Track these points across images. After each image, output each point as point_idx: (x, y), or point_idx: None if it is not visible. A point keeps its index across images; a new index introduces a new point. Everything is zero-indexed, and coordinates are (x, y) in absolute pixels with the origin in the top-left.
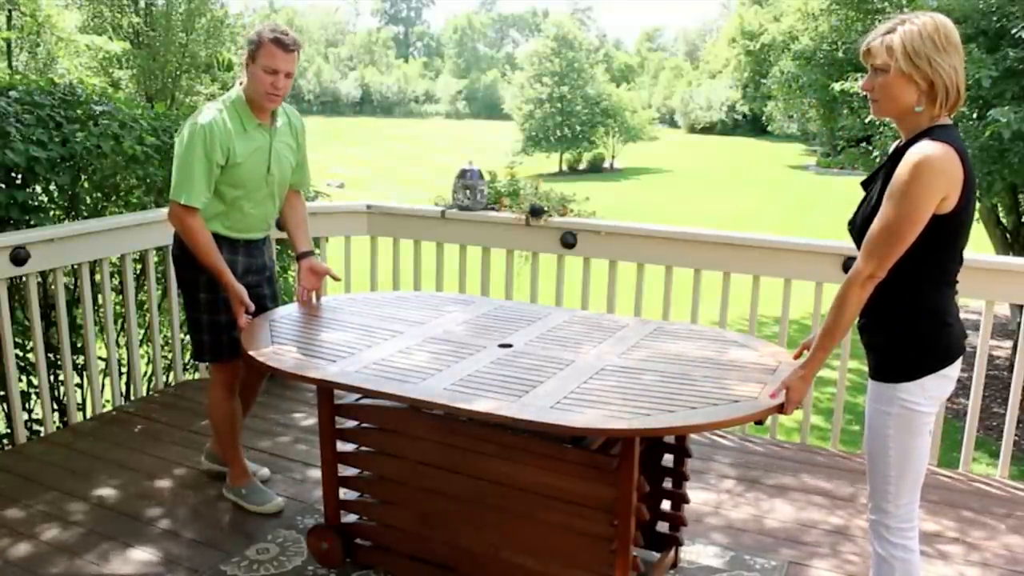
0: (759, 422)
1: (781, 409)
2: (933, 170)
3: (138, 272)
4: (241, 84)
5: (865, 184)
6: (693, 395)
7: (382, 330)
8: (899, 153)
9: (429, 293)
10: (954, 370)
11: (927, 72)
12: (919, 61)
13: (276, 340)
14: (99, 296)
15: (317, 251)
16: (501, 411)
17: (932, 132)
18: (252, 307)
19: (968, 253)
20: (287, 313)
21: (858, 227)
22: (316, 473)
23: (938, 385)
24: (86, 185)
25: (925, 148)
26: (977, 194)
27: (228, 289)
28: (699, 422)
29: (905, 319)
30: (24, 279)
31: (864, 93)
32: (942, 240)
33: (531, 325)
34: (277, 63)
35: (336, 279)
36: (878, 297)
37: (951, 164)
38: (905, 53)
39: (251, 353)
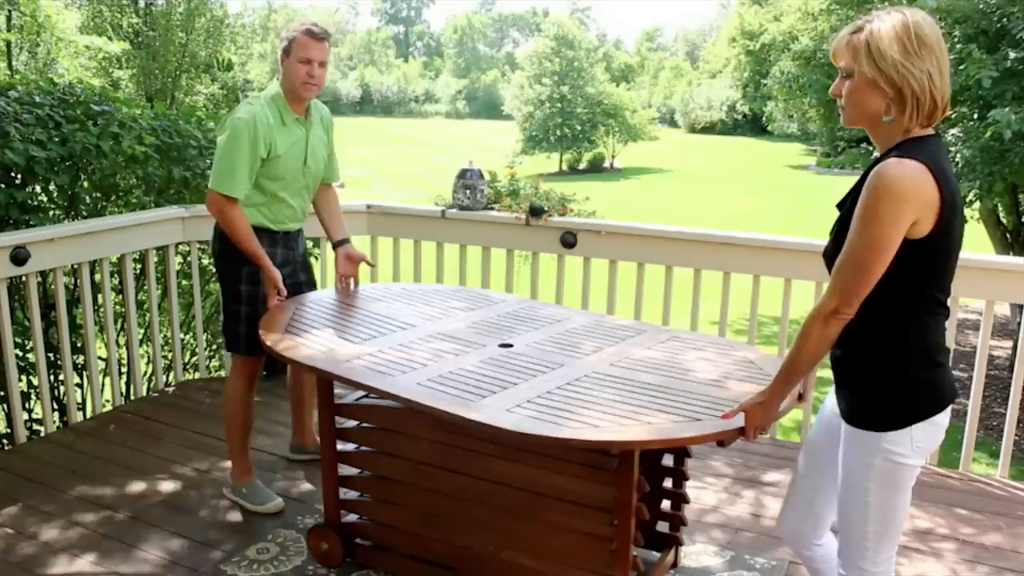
0: (721, 443)
1: (743, 433)
2: (897, 191)
3: (138, 272)
4: (277, 80)
5: (839, 205)
6: (660, 408)
7: (395, 322)
8: (871, 170)
9: (461, 288)
10: (945, 417)
11: (893, 78)
12: (885, 65)
13: (292, 324)
14: (99, 296)
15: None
16: (451, 408)
17: (903, 146)
18: (284, 292)
19: (968, 253)
20: (316, 299)
21: (830, 256)
22: (316, 473)
23: (928, 435)
24: (85, 185)
25: (889, 167)
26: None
27: (265, 272)
28: (630, 438)
29: (891, 358)
30: (24, 279)
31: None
32: (922, 268)
33: (544, 327)
34: (311, 52)
35: (371, 265)
36: (858, 331)
37: (920, 183)
38: (870, 56)
39: (260, 331)
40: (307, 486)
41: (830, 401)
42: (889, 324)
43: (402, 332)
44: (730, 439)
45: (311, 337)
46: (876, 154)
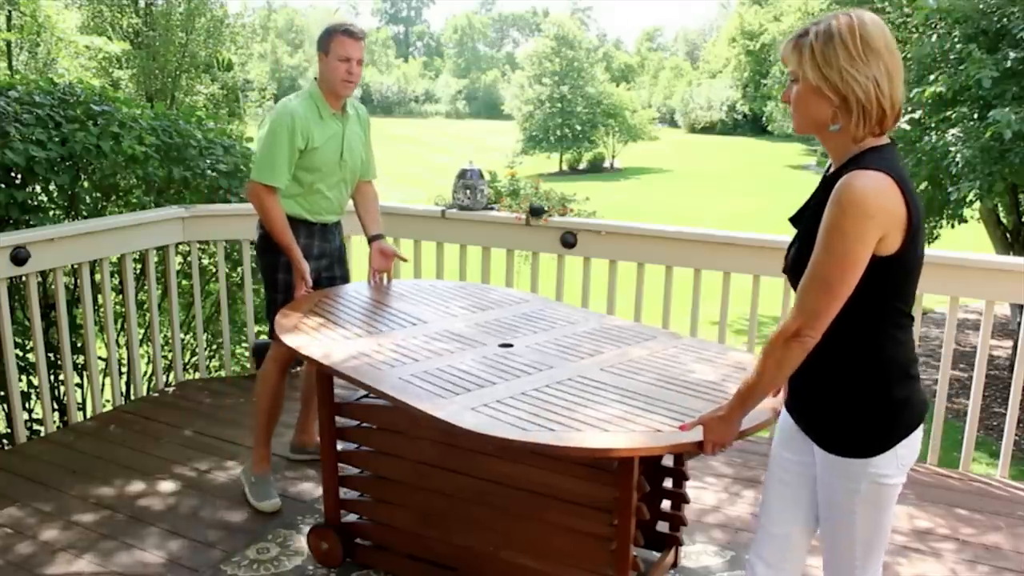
0: (679, 456)
1: (702, 447)
2: (863, 207)
3: (138, 272)
4: (315, 78)
5: (794, 220)
6: (626, 416)
7: (409, 318)
8: (829, 183)
9: (487, 287)
10: (920, 430)
11: (837, 85)
12: (828, 71)
13: (310, 315)
14: (99, 296)
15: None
16: (417, 404)
17: (863, 158)
18: (311, 283)
19: (968, 253)
20: (340, 292)
21: (791, 271)
22: (316, 473)
23: (910, 449)
24: (86, 185)
25: (853, 181)
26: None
27: (294, 263)
28: (573, 445)
29: (871, 379)
30: (24, 279)
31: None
32: (891, 284)
33: (554, 328)
34: (349, 51)
35: (404, 260)
36: (831, 354)
37: (887, 197)
38: (813, 62)
39: (276, 318)
40: (307, 486)
41: (789, 421)
42: (863, 344)
43: (411, 328)
44: (688, 452)
45: (321, 328)
46: (828, 167)
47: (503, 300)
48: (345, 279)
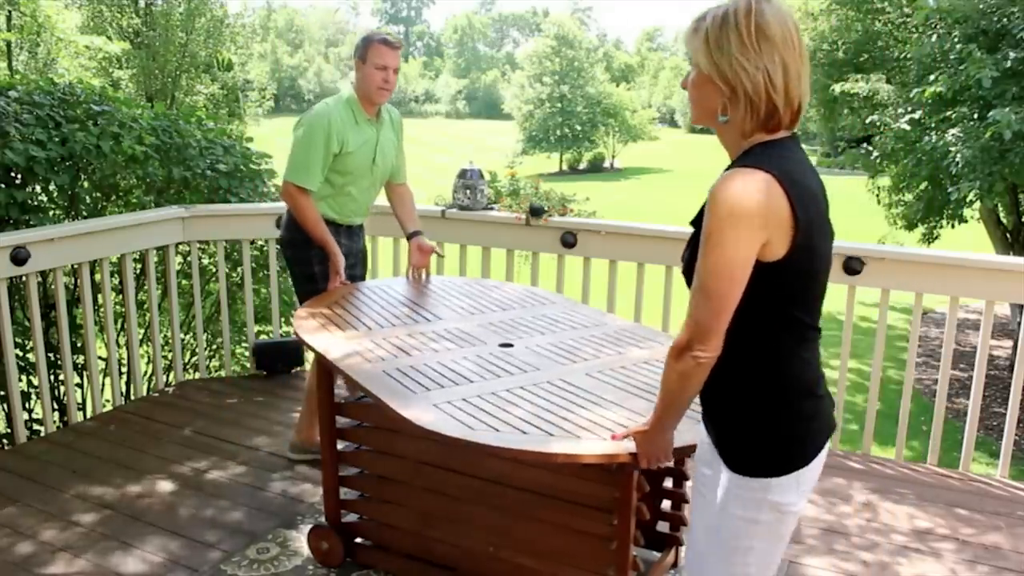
0: (608, 465)
1: (636, 459)
2: (738, 210)
3: (138, 272)
4: (352, 84)
5: (694, 221)
6: (579, 424)
7: (424, 314)
8: None
9: (522, 287)
10: (825, 452)
11: (727, 74)
12: (719, 59)
13: (333, 306)
14: (99, 296)
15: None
16: (384, 397)
17: (748, 155)
18: (343, 276)
19: (968, 253)
20: (369, 286)
21: (685, 276)
22: (316, 473)
23: (814, 472)
24: (86, 185)
25: (725, 182)
26: (829, 229)
27: (331, 256)
28: (505, 446)
29: (771, 397)
30: (24, 279)
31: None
32: (784, 293)
33: (565, 330)
34: (386, 60)
35: (441, 256)
36: (727, 367)
37: (765, 198)
38: (706, 47)
39: (300, 310)
40: (307, 486)
41: (705, 434)
42: (760, 358)
43: (422, 324)
44: (614, 463)
45: (334, 320)
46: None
47: (527, 300)
48: (363, 279)
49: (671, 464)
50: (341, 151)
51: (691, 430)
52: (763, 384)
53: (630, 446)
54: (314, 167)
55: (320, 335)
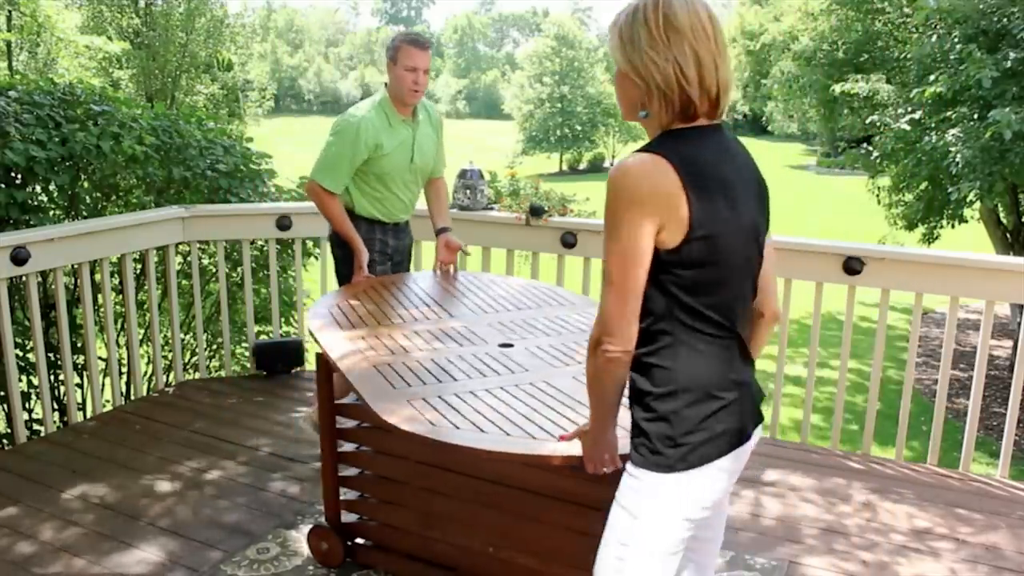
0: (570, 465)
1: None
2: (627, 193)
3: (138, 272)
4: (386, 86)
5: None
6: (542, 426)
7: (436, 310)
8: None
9: (551, 288)
10: (730, 461)
11: (639, 68)
12: (631, 54)
13: (352, 299)
14: (99, 296)
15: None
16: (362, 390)
17: (653, 142)
18: (366, 271)
19: (968, 253)
20: (393, 280)
21: None
22: (316, 473)
23: (705, 483)
24: (86, 185)
25: (619, 166)
26: (752, 220)
27: (356, 251)
28: (464, 444)
29: (664, 392)
30: (24, 279)
31: None
32: (682, 286)
33: (574, 333)
34: (416, 61)
35: (467, 254)
36: (637, 359)
37: (655, 182)
38: (620, 43)
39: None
40: (307, 486)
41: None
42: (657, 351)
43: (432, 322)
44: (563, 464)
45: (348, 313)
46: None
47: (545, 300)
48: (407, 271)
49: (619, 468)
50: (375, 154)
51: (521, 445)
52: (657, 378)
53: (572, 448)
54: (339, 171)
55: (327, 331)
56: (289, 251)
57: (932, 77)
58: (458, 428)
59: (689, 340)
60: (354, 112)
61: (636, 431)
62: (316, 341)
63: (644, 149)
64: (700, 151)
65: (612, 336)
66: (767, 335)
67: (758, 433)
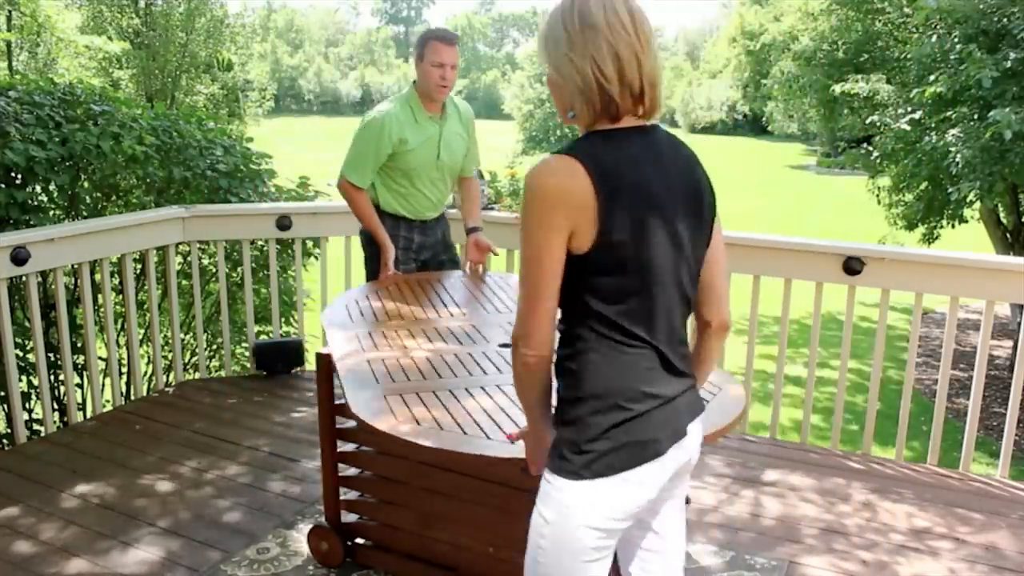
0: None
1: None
2: (538, 194)
3: (138, 272)
4: (414, 83)
5: None
6: (499, 425)
7: (448, 309)
8: None
9: None
10: (643, 474)
11: (561, 69)
12: (553, 56)
13: (369, 295)
14: (99, 296)
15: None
16: (346, 383)
17: (571, 143)
18: (392, 268)
19: (968, 253)
20: (427, 278)
21: None
22: (316, 473)
23: (613, 493)
24: (86, 185)
25: (532, 168)
26: (674, 223)
27: (382, 249)
28: (416, 441)
29: (571, 396)
30: (24, 279)
31: None
32: (596, 291)
33: None
34: (443, 57)
35: (495, 254)
36: (557, 363)
37: (565, 185)
38: (543, 47)
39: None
40: (307, 486)
41: None
42: (570, 355)
43: (441, 321)
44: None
45: (363, 308)
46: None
47: None
48: (454, 263)
49: None
50: (400, 149)
51: (475, 445)
52: (568, 383)
53: (517, 448)
54: (364, 165)
55: (335, 326)
56: (289, 251)
57: (932, 77)
58: (419, 425)
59: (600, 347)
60: (380, 107)
61: (558, 439)
62: (324, 334)
63: (560, 150)
64: (619, 153)
65: (525, 340)
66: (718, 345)
67: (686, 450)
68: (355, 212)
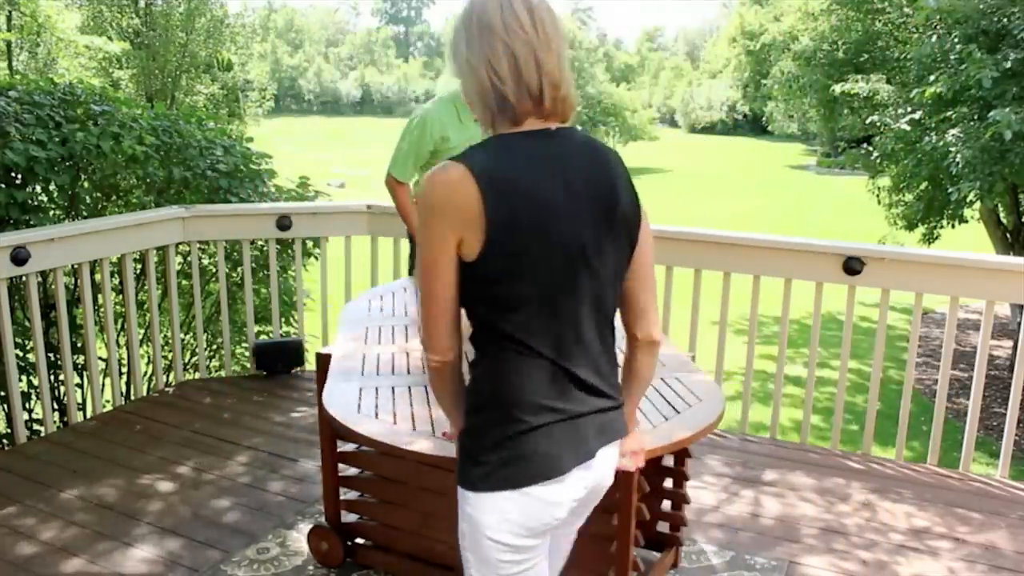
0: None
1: None
2: (427, 203)
3: (138, 272)
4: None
5: None
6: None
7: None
8: None
9: None
10: (551, 493)
11: (463, 71)
12: (456, 59)
13: (395, 290)
14: (99, 296)
15: None
16: (331, 378)
17: (468, 149)
18: None
19: (968, 253)
20: None
21: None
22: (316, 473)
23: (522, 508)
24: (86, 185)
25: (426, 176)
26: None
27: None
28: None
29: (470, 406)
30: (24, 279)
31: None
32: (487, 301)
33: None
34: None
35: None
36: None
37: (453, 192)
38: (450, 51)
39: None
40: (307, 486)
41: None
42: (474, 363)
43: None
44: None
45: (384, 304)
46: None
47: None
48: None
49: None
50: (442, 147)
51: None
52: (470, 391)
53: (449, 448)
54: (405, 160)
55: (346, 322)
56: (289, 251)
57: (932, 77)
58: (384, 421)
59: (498, 356)
60: (426, 105)
61: (464, 447)
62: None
63: (455, 156)
64: (515, 158)
65: (427, 345)
66: (647, 360)
67: (594, 473)
68: (397, 209)
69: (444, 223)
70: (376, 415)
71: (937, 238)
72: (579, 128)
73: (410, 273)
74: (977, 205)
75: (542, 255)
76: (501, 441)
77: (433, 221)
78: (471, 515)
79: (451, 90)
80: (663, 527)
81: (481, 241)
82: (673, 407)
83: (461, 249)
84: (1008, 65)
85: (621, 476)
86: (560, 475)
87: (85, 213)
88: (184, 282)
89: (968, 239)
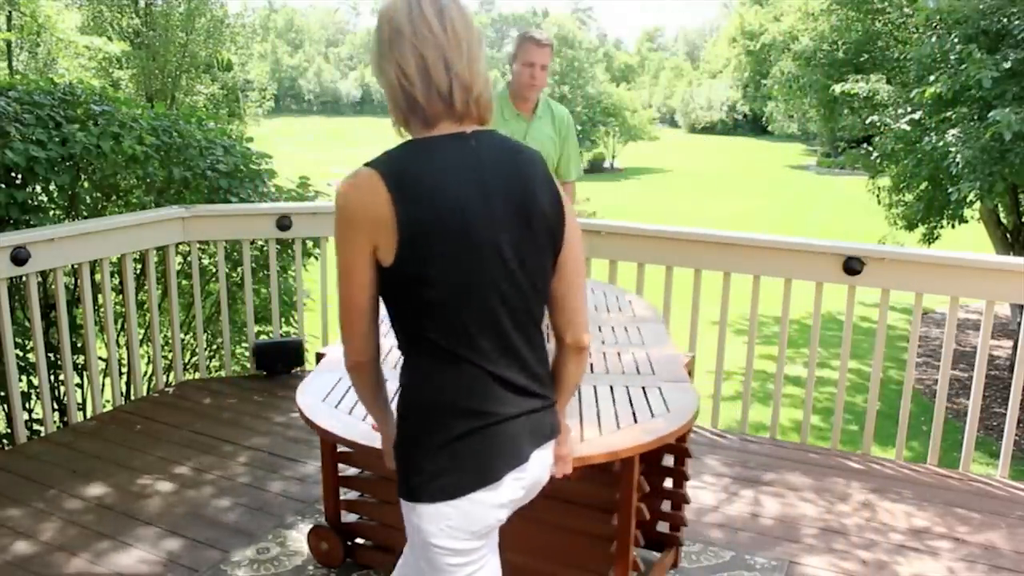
0: (609, 466)
1: None
2: (340, 208)
3: (138, 272)
4: (508, 81)
5: None
6: None
7: None
8: None
9: (643, 303)
10: (488, 494)
11: (377, 77)
12: (373, 64)
13: None
14: (99, 296)
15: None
16: (315, 371)
17: (382, 154)
18: None
19: (968, 253)
20: None
21: None
22: (316, 473)
23: (463, 513)
24: (86, 185)
25: (342, 179)
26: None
27: None
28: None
29: (400, 414)
30: (24, 279)
31: None
32: (405, 306)
33: (593, 343)
34: (533, 57)
35: None
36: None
37: (364, 198)
38: (369, 58)
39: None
40: (307, 486)
41: None
42: (401, 368)
43: None
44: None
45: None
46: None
47: (615, 307)
48: None
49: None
50: None
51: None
52: (399, 396)
53: (374, 440)
54: None
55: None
56: (289, 251)
57: (932, 77)
58: (365, 422)
59: (420, 361)
60: None
61: (399, 456)
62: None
63: (368, 162)
64: (426, 162)
65: (345, 347)
66: (575, 364)
67: (529, 475)
68: None
69: (356, 228)
70: (337, 406)
71: (937, 238)
72: (497, 131)
73: None
74: (977, 205)
75: (455, 258)
76: (432, 451)
77: (348, 229)
78: (416, 524)
79: (499, 87)
80: (663, 527)
81: (395, 245)
82: (635, 417)
83: (378, 253)
84: (1008, 65)
85: (621, 476)
86: (494, 482)
87: (85, 213)
88: (184, 282)
89: (968, 239)
